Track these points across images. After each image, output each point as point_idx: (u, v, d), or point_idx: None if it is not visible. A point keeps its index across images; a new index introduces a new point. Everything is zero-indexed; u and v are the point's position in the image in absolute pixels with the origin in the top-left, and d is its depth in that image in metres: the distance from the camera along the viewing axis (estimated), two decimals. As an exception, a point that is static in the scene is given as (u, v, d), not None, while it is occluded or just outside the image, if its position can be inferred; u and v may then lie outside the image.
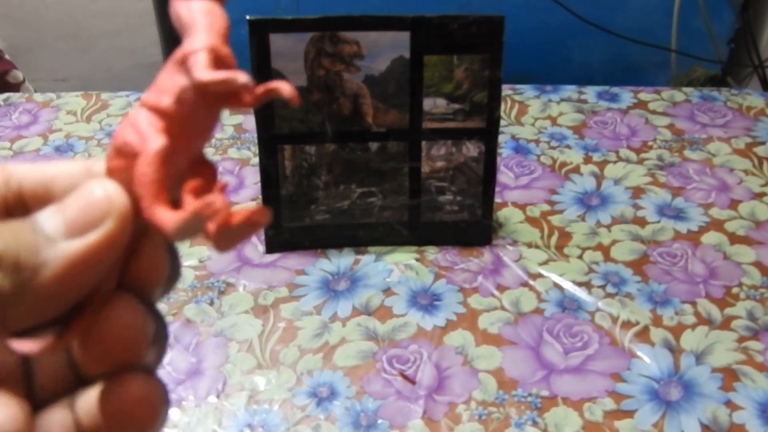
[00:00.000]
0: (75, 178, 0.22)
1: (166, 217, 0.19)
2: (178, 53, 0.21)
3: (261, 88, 0.21)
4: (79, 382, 0.21)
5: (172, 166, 0.20)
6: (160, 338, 0.22)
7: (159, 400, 0.21)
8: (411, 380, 0.57)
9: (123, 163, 0.21)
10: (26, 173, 0.22)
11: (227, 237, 0.20)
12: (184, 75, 0.21)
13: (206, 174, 0.22)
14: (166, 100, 0.21)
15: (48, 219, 0.19)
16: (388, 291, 0.65)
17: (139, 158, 0.20)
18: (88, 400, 0.21)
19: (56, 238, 0.19)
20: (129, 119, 0.21)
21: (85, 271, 0.19)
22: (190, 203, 0.20)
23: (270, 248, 0.70)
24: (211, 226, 0.20)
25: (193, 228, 0.20)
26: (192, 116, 0.21)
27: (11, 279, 0.18)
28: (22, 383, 0.21)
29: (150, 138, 0.20)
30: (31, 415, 0.20)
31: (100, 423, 0.20)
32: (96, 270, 0.19)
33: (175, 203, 0.20)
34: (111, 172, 0.21)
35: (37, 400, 0.21)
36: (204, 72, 0.20)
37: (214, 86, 0.20)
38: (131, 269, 0.21)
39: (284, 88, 0.21)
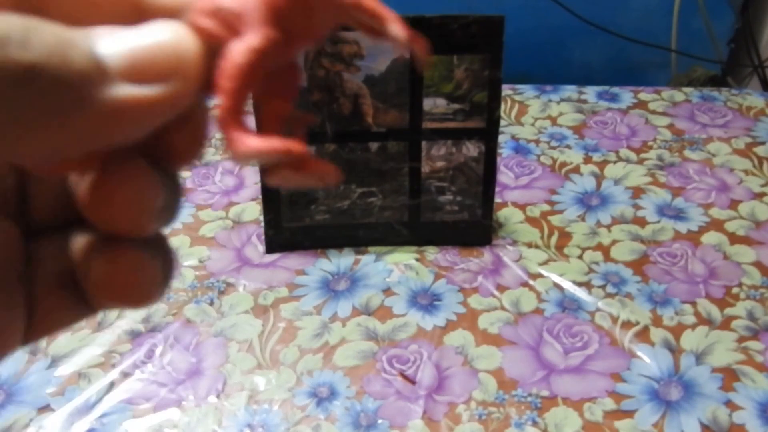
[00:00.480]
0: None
1: (242, 139, 0.17)
2: None
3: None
4: (75, 218, 0.19)
5: (263, 65, 0.18)
6: (170, 208, 0.19)
7: (150, 281, 0.19)
8: (411, 380, 0.57)
9: (211, 28, 0.17)
10: None
11: (286, 179, 0.18)
12: None
13: (290, 79, 0.19)
14: None
15: (109, 47, 0.16)
16: (388, 291, 0.66)
17: (231, 44, 0.17)
18: (79, 247, 0.19)
19: (113, 76, 0.15)
20: None
21: (128, 129, 0.16)
22: (272, 139, 0.18)
23: (270, 248, 0.70)
24: (279, 170, 0.18)
25: (261, 161, 0.18)
26: (310, 12, 0.18)
27: (39, 102, 0.14)
28: (16, 208, 0.19)
29: (252, 24, 0.17)
30: (22, 238, 0.19)
31: (86, 280, 0.19)
32: (139, 130, 0.16)
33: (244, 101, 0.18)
34: (197, 30, 0.18)
35: (30, 229, 0.19)
36: (395, 26, 0.18)
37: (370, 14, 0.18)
38: (168, 136, 0.18)
39: None
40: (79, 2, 0.17)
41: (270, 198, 0.67)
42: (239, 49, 0.17)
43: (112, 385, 0.57)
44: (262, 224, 0.69)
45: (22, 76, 0.14)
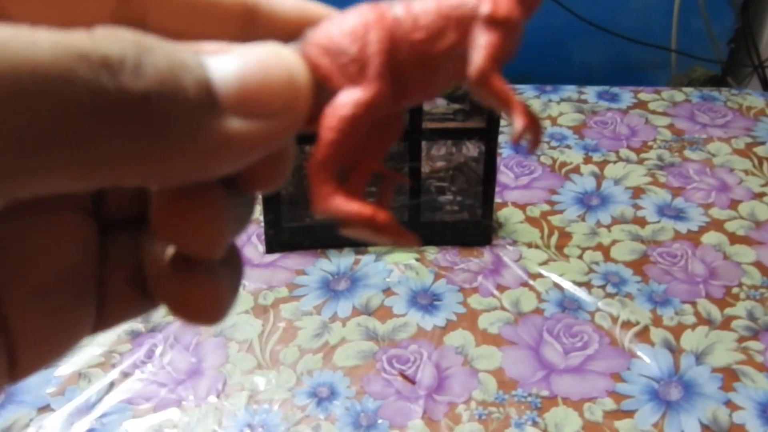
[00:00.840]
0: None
1: (328, 195, 0.17)
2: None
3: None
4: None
5: (368, 120, 0.17)
6: (243, 226, 0.19)
7: (220, 301, 0.18)
8: (411, 380, 0.57)
9: (326, 67, 0.17)
10: None
11: (362, 235, 0.18)
12: (462, 34, 0.17)
13: (389, 132, 0.19)
14: (422, 38, 0.17)
15: (220, 71, 0.15)
16: (388, 291, 0.65)
17: (342, 92, 0.16)
18: (152, 258, 0.18)
19: (223, 108, 0.14)
20: (360, 20, 0.17)
21: (230, 162, 0.15)
22: (357, 204, 0.17)
23: (270, 248, 0.70)
24: (357, 228, 0.17)
25: (342, 222, 0.17)
26: (430, 71, 0.17)
27: (147, 133, 0.13)
28: (93, 205, 0.19)
29: (368, 74, 0.16)
30: (98, 234, 0.19)
31: (156, 292, 0.18)
32: (240, 163, 0.15)
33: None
34: (308, 62, 0.17)
35: (105, 222, 0.19)
36: (499, 80, 0.17)
37: (497, 98, 0.17)
38: (254, 165, 0.17)
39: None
40: (182, 9, 0.16)
41: (270, 198, 0.67)
42: (349, 101, 0.16)
43: (112, 385, 0.57)
44: (262, 224, 0.69)
45: (134, 106, 0.13)
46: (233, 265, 0.19)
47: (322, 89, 0.17)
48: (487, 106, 0.18)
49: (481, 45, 0.17)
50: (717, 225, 0.73)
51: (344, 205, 0.17)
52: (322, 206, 0.17)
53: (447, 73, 0.18)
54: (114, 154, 0.13)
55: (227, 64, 0.15)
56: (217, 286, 0.18)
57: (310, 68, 0.16)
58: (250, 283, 0.66)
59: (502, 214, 0.74)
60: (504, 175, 0.79)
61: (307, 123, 0.17)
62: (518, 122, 0.17)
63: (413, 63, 0.17)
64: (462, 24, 0.17)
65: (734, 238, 0.71)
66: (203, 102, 0.14)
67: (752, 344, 0.60)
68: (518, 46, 0.18)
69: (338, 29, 0.17)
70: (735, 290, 0.65)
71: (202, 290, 0.18)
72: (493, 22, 0.17)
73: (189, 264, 0.17)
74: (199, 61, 0.14)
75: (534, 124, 0.18)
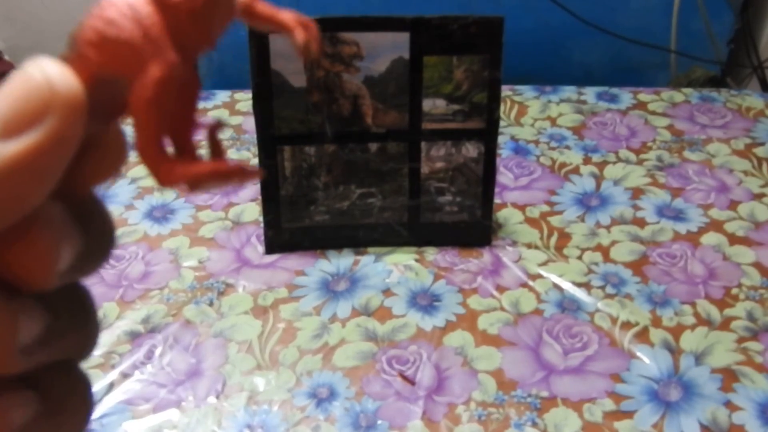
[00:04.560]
0: None
1: (166, 169, 0.17)
2: None
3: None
4: None
5: (173, 90, 0.17)
6: (93, 256, 0.17)
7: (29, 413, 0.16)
8: (410, 381, 0.57)
9: (98, 59, 0.16)
10: None
11: (210, 188, 0.18)
12: None
13: (191, 86, 0.19)
14: None
15: None
16: (387, 292, 0.65)
17: (145, 75, 0.16)
18: None
19: None
20: (125, 4, 0.17)
21: (19, 184, 0.15)
22: (195, 165, 0.17)
23: (270, 249, 0.70)
24: (205, 185, 0.18)
25: (190, 185, 0.17)
26: (203, 21, 0.17)
27: None
28: None
29: (156, 51, 0.16)
30: None
31: None
32: (36, 182, 0.15)
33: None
34: (82, 61, 0.16)
35: None
36: (263, 4, 0.18)
37: (270, 22, 0.18)
38: (78, 167, 0.16)
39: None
40: None
41: (269, 199, 0.67)
42: (148, 82, 0.16)
43: (111, 386, 0.57)
44: (262, 225, 0.69)
45: None
46: (76, 310, 0.17)
47: (115, 81, 0.17)
48: (264, 30, 0.19)
49: None
50: (716, 226, 0.73)
51: (185, 171, 0.17)
52: (167, 182, 0.17)
53: (221, 15, 0.18)
54: None
55: None
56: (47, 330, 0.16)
57: (82, 66, 0.16)
58: (249, 283, 0.66)
59: (502, 214, 0.74)
60: (503, 176, 0.79)
61: (118, 115, 0.17)
62: (298, 36, 0.19)
63: (186, 20, 0.17)
64: None
65: (734, 239, 0.71)
66: None
67: (752, 345, 0.60)
68: None
69: (102, 20, 0.17)
70: (734, 291, 0.65)
71: (29, 330, 0.16)
72: None
73: (13, 293, 0.16)
74: None
75: (310, 31, 0.19)
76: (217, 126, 0.20)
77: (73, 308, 0.17)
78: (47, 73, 0.15)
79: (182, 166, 0.17)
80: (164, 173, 0.17)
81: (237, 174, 0.18)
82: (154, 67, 0.16)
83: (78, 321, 0.17)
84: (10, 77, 0.15)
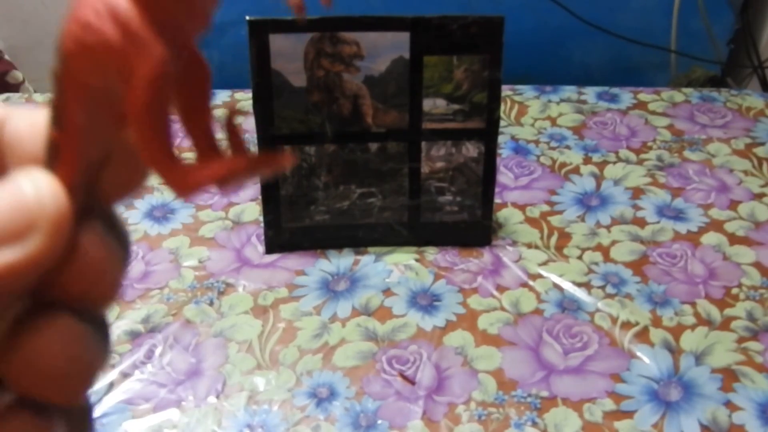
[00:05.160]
0: None
1: (181, 176, 0.15)
2: None
3: None
4: None
5: (170, 85, 0.15)
6: (101, 358, 0.17)
7: None
8: (411, 381, 0.57)
9: (84, 68, 0.15)
10: None
11: (240, 184, 0.17)
12: None
13: (197, 71, 0.17)
14: None
15: None
16: (387, 291, 0.65)
17: (134, 78, 0.15)
18: None
19: None
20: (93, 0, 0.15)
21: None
22: (212, 165, 0.16)
23: (270, 249, 0.70)
24: (231, 183, 0.16)
25: (216, 185, 0.16)
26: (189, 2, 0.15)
27: None
28: None
29: (147, 43, 0.15)
30: None
31: None
32: (14, 289, 0.15)
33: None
34: (70, 89, 0.15)
35: None
36: None
37: None
38: (67, 276, 0.15)
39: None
40: None
41: (270, 198, 0.67)
42: (140, 84, 0.15)
43: (111, 386, 0.57)
44: (262, 225, 0.69)
45: None
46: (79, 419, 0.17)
47: (108, 90, 0.15)
48: None
49: None
50: (716, 225, 0.73)
51: (200, 177, 0.16)
52: (184, 191, 0.16)
53: None
54: None
55: None
56: None
57: (78, 88, 0.15)
58: (249, 283, 0.66)
59: (502, 214, 0.74)
60: (504, 176, 0.79)
61: (121, 126, 0.15)
62: None
63: (169, 4, 0.15)
64: None
65: (734, 239, 0.71)
66: None
67: (752, 345, 0.60)
68: None
69: (79, 25, 0.15)
70: (734, 291, 0.65)
71: None
72: None
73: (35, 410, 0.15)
74: None
75: None
76: (232, 114, 0.18)
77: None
78: (38, 187, 0.15)
79: (196, 170, 0.16)
80: (178, 182, 0.16)
81: (259, 167, 0.17)
82: (141, 67, 0.15)
83: None
84: (0, 185, 0.15)
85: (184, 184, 0.16)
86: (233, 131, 0.18)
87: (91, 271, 0.16)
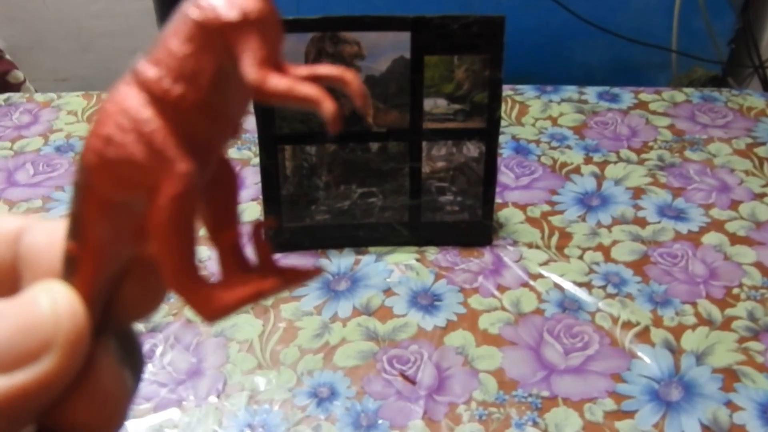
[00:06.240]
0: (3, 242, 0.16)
1: (208, 300, 0.15)
2: (208, 17, 0.14)
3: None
4: None
5: (195, 201, 0.15)
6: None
7: None
8: (411, 380, 0.57)
9: (106, 183, 0.14)
10: None
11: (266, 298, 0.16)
12: (218, 55, 0.14)
13: (226, 179, 0.16)
14: (182, 90, 0.14)
15: None
16: (388, 291, 0.65)
17: (157, 195, 0.14)
18: None
19: None
20: (121, 112, 0.14)
21: (10, 414, 0.14)
22: (239, 288, 0.15)
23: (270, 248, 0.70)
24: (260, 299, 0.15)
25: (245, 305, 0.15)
26: (215, 111, 0.15)
27: None
28: None
29: (172, 159, 0.14)
30: None
31: None
32: (30, 411, 0.14)
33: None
34: (94, 207, 0.14)
35: None
36: (277, 79, 0.14)
37: (288, 99, 0.14)
38: (75, 401, 0.15)
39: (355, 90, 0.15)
40: None
41: (270, 198, 0.67)
42: (163, 204, 0.14)
43: (112, 385, 0.57)
44: (263, 224, 0.69)
45: None
46: None
47: (129, 205, 0.15)
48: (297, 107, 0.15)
49: (243, 54, 0.14)
50: (717, 225, 0.73)
51: (229, 298, 0.15)
52: (209, 316, 0.15)
53: (234, 97, 0.15)
54: None
55: None
56: None
57: (100, 200, 0.14)
58: (250, 283, 0.66)
59: (503, 214, 0.74)
60: (504, 176, 0.79)
61: (142, 240, 0.14)
62: (326, 108, 0.15)
63: (194, 113, 0.14)
64: (211, 41, 0.14)
65: (735, 239, 0.71)
66: None
67: (753, 345, 0.60)
68: (281, 30, 0.15)
69: (101, 139, 0.14)
70: (735, 291, 0.65)
71: None
72: (243, 25, 0.14)
73: None
74: None
75: (352, 87, 0.15)
76: (260, 226, 0.17)
77: None
78: (55, 302, 0.14)
79: (221, 292, 0.15)
80: (203, 307, 0.15)
81: (287, 284, 0.16)
82: (165, 183, 0.14)
83: None
84: (17, 299, 0.14)
85: (209, 309, 0.15)
86: (261, 245, 0.17)
87: (101, 400, 0.15)
